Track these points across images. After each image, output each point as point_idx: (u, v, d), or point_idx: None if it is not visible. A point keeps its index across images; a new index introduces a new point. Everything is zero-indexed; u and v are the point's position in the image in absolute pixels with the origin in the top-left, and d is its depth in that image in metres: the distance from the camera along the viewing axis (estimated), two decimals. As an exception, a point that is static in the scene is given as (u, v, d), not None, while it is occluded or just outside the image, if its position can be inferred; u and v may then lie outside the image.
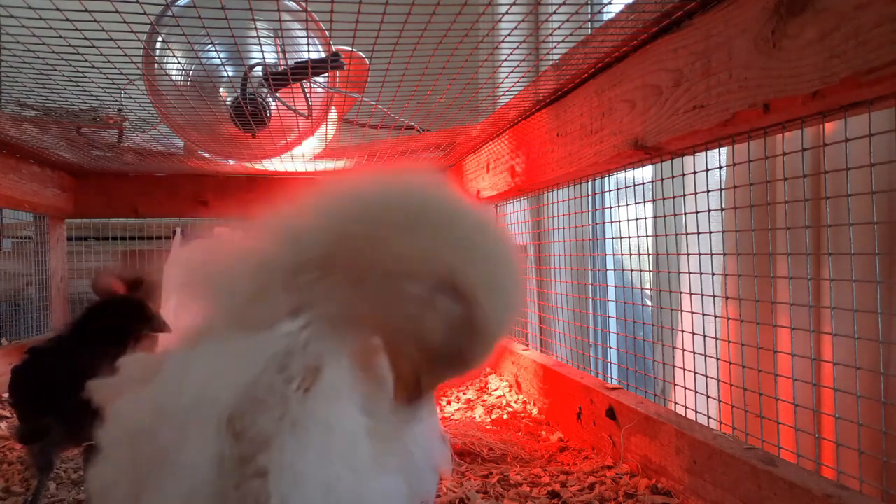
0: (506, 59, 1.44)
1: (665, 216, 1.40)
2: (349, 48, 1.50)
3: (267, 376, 0.51)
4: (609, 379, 1.67)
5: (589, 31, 1.31)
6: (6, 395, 2.10)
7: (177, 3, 1.55)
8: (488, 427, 1.74)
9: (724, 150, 1.25)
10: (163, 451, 0.48)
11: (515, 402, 1.98)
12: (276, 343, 0.54)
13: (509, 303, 0.64)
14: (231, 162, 2.47)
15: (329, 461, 0.52)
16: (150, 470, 0.48)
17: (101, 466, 0.52)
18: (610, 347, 1.79)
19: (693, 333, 1.32)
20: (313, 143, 2.32)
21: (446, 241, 0.61)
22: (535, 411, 1.88)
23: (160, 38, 1.65)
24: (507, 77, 1.55)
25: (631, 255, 1.63)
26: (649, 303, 1.75)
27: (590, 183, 1.73)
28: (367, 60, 1.51)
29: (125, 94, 1.75)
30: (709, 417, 1.25)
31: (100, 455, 0.53)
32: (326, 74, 1.79)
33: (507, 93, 1.68)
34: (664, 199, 1.37)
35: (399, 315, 0.61)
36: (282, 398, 0.51)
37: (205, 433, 0.48)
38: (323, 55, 1.73)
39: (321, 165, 2.63)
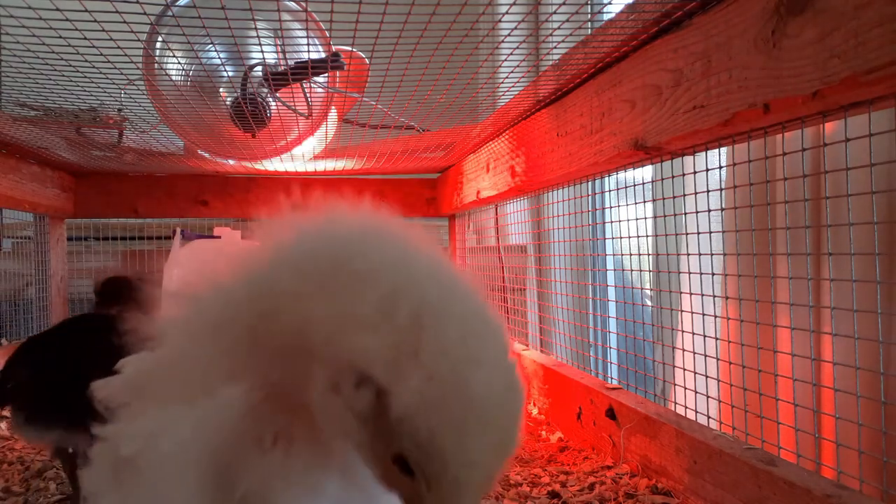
0: (506, 59, 1.44)
1: (665, 216, 1.40)
2: (349, 48, 1.50)
3: (234, 436, 0.53)
4: (609, 379, 1.67)
5: (589, 31, 1.31)
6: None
7: (177, 3, 1.55)
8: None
9: (724, 150, 1.25)
10: (151, 487, 0.52)
11: (515, 402, 1.98)
12: (228, 407, 0.52)
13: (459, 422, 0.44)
14: (231, 162, 2.47)
15: None
16: (140, 500, 0.52)
17: (91, 481, 0.55)
18: (610, 347, 1.79)
19: (693, 333, 1.32)
20: (313, 143, 2.32)
21: (370, 311, 0.45)
22: (535, 411, 1.88)
23: (160, 39, 1.65)
24: (507, 77, 1.55)
25: (631, 255, 1.63)
26: (649, 303, 1.75)
27: (590, 183, 1.73)
28: (367, 60, 1.51)
29: (125, 94, 1.75)
30: (709, 417, 1.25)
31: (89, 471, 0.56)
32: (326, 74, 1.79)
33: (507, 93, 1.68)
34: (664, 199, 1.37)
35: (314, 402, 0.49)
36: (257, 456, 0.52)
37: (188, 478, 0.51)
38: (323, 55, 1.73)
39: (321, 165, 2.63)
